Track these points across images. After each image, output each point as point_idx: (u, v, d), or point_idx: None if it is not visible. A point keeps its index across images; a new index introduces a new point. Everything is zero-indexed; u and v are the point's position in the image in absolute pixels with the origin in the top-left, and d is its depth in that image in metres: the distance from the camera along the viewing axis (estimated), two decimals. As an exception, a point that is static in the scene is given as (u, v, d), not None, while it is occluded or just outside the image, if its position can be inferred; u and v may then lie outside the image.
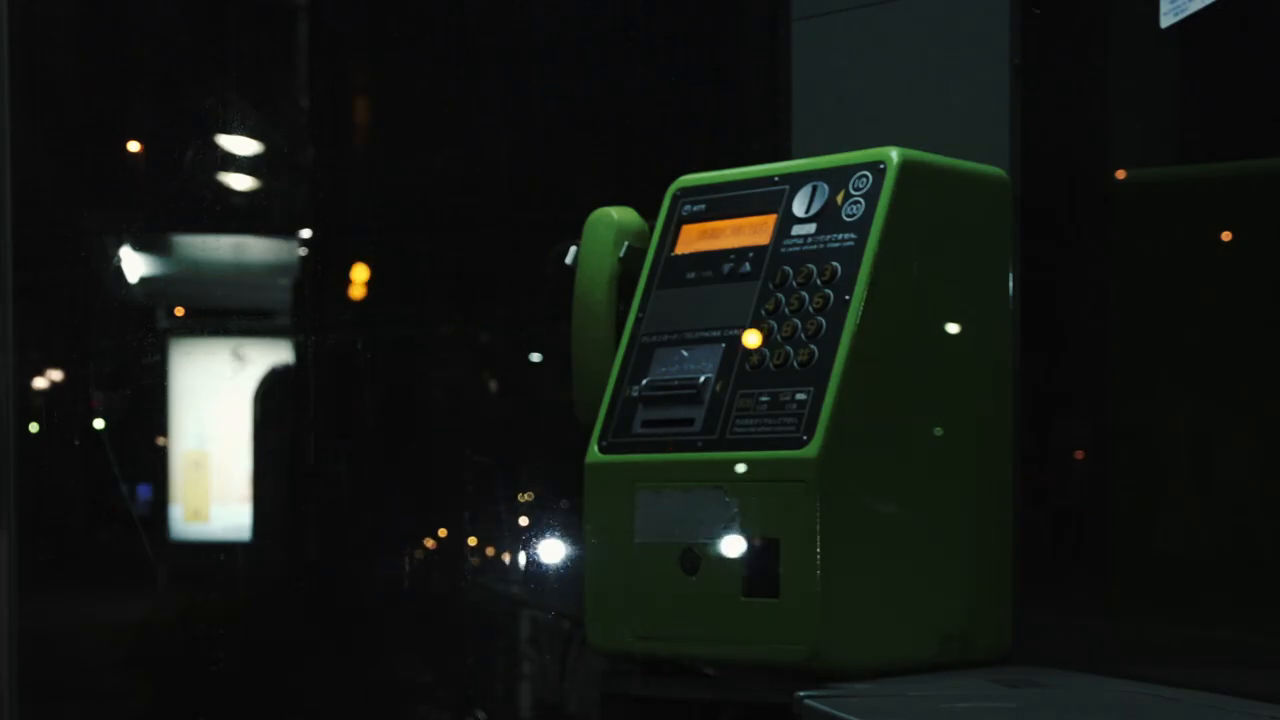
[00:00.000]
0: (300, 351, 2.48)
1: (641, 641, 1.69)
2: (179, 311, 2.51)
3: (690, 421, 1.68)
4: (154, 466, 2.48)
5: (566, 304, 1.87)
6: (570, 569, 2.37)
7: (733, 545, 1.63)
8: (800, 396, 1.61)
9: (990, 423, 1.75)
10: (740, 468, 1.62)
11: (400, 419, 2.52)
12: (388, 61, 2.54)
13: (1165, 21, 1.68)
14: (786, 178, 1.74)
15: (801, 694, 1.53)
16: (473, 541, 2.54)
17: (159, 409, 2.46)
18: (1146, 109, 1.90)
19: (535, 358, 2.57)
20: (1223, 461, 1.80)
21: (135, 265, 2.45)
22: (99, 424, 2.40)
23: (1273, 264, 1.69)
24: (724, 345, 1.69)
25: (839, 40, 1.99)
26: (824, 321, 1.63)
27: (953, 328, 1.72)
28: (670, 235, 1.80)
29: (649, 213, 1.85)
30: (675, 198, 1.82)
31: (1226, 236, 1.78)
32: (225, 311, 2.56)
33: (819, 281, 1.66)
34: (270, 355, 2.49)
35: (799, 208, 1.71)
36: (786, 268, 1.69)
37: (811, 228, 1.69)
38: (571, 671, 2.47)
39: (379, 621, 2.49)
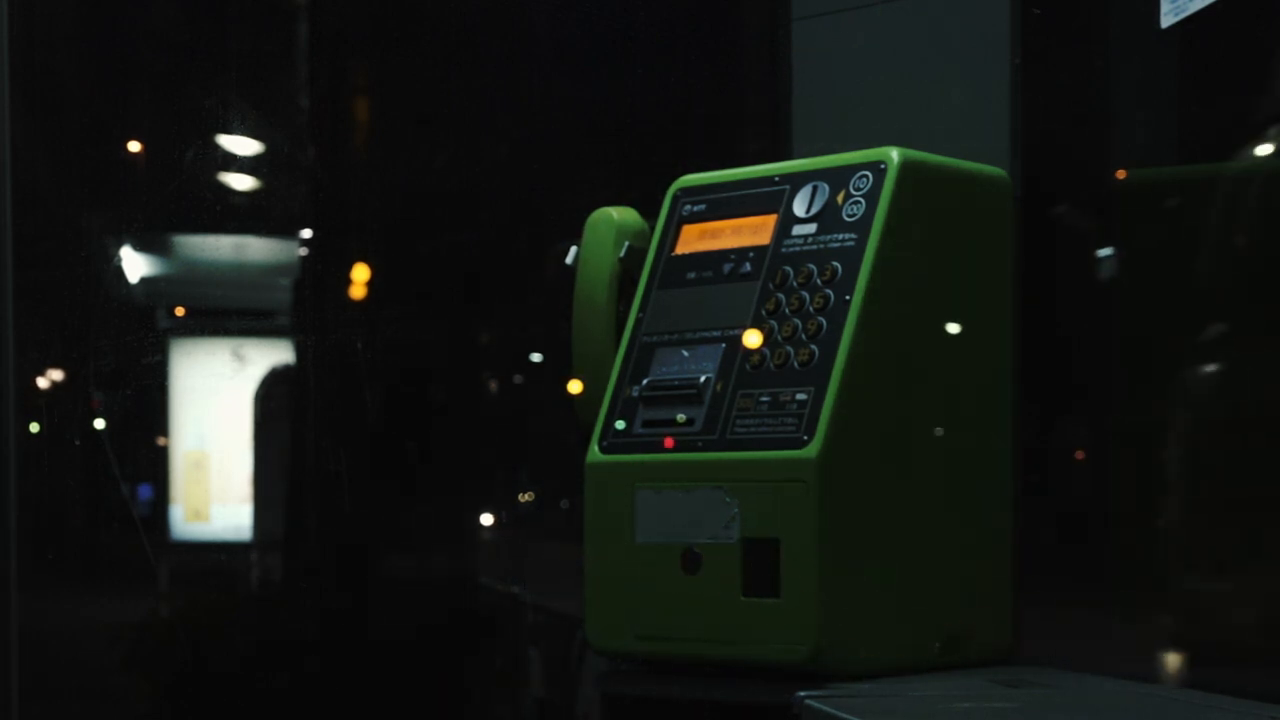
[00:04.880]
0: (300, 351, 2.48)
1: (641, 642, 1.69)
2: (179, 311, 2.51)
3: (691, 422, 1.68)
4: (154, 466, 2.48)
5: (566, 304, 1.86)
6: (570, 569, 2.37)
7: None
8: (800, 396, 1.61)
9: (990, 423, 1.75)
10: None
11: (400, 419, 2.52)
12: (388, 61, 2.54)
13: (1165, 22, 1.68)
14: (787, 178, 1.74)
15: (801, 694, 1.53)
16: (472, 542, 2.54)
17: (159, 409, 2.46)
18: (1146, 109, 1.90)
19: (535, 358, 2.57)
20: (1223, 461, 1.80)
21: (135, 265, 2.45)
22: (99, 424, 2.40)
23: (1273, 264, 1.69)
24: (724, 345, 1.69)
25: (839, 40, 1.98)
26: (824, 321, 1.63)
27: (953, 328, 1.72)
28: (670, 235, 1.80)
29: (649, 213, 1.85)
30: (675, 198, 1.82)
31: (1226, 236, 1.78)
32: (225, 311, 2.56)
33: (819, 281, 1.66)
34: (270, 355, 2.49)
35: (799, 208, 1.71)
36: (787, 268, 1.69)
37: (812, 228, 1.69)
38: (571, 672, 2.47)
39: (379, 621, 2.49)
